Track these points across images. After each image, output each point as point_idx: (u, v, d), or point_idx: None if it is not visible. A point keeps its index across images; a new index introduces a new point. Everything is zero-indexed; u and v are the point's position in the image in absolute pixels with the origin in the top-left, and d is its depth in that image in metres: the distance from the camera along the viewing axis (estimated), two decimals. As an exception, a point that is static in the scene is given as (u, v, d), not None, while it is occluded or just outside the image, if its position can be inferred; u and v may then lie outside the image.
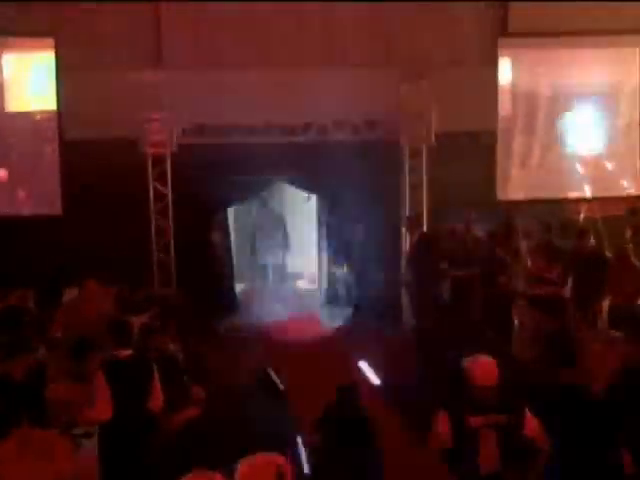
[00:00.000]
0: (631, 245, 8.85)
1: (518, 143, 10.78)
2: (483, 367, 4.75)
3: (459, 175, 9.82)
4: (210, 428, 5.88)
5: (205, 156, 10.16)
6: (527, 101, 10.77)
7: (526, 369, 6.56)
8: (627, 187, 11.03)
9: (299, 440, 5.52)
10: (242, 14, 10.41)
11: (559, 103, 10.80)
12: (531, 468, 4.73)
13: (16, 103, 10.49)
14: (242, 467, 3.50)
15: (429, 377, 7.62)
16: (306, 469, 5.28)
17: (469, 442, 4.66)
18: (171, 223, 10.36)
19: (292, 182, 11.65)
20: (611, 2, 10.10)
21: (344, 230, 11.36)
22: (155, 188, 10.31)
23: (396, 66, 10.50)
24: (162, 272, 10.41)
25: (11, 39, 10.28)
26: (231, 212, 12.02)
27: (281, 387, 6.60)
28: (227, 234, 11.45)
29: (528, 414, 4.71)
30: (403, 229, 10.59)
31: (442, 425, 4.73)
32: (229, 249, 11.46)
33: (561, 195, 11.00)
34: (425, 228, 10.41)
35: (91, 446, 5.36)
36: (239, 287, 12.11)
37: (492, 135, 10.56)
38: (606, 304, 8.13)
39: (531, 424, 4.70)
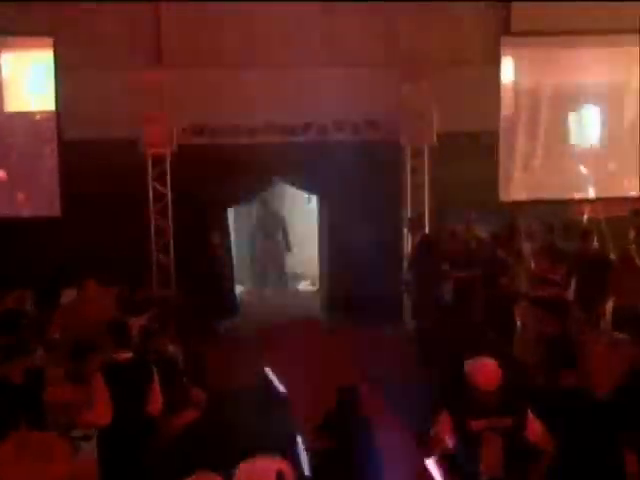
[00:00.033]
0: (635, 246, 8.80)
1: (520, 143, 10.77)
2: (485, 370, 4.69)
3: (461, 176, 9.83)
4: (210, 430, 5.86)
5: (205, 156, 10.17)
6: (530, 101, 10.75)
7: (528, 371, 6.54)
8: (631, 188, 10.98)
9: (299, 442, 5.48)
10: (242, 14, 10.41)
11: (562, 103, 10.78)
12: (533, 470, 4.68)
13: (15, 103, 10.46)
14: (242, 470, 3.49)
15: (430, 378, 7.59)
16: (306, 471, 5.23)
17: (471, 445, 4.62)
18: (171, 223, 10.36)
19: (292, 182, 11.63)
20: (613, 2, 10.07)
21: (345, 231, 11.30)
22: (155, 188, 10.30)
23: (397, 66, 10.49)
24: (161, 272, 10.40)
25: (10, 38, 10.23)
26: (231, 212, 12.00)
27: (281, 389, 6.56)
28: (227, 234, 11.41)
29: (531, 416, 4.67)
30: (405, 230, 10.56)
31: (444, 426, 4.69)
32: (229, 249, 11.42)
33: (564, 196, 10.96)
34: (427, 229, 10.38)
35: (90, 449, 5.34)
36: (239, 288, 12.09)
37: (494, 135, 10.53)
38: (610, 306, 8.08)
39: (534, 426, 4.66)
